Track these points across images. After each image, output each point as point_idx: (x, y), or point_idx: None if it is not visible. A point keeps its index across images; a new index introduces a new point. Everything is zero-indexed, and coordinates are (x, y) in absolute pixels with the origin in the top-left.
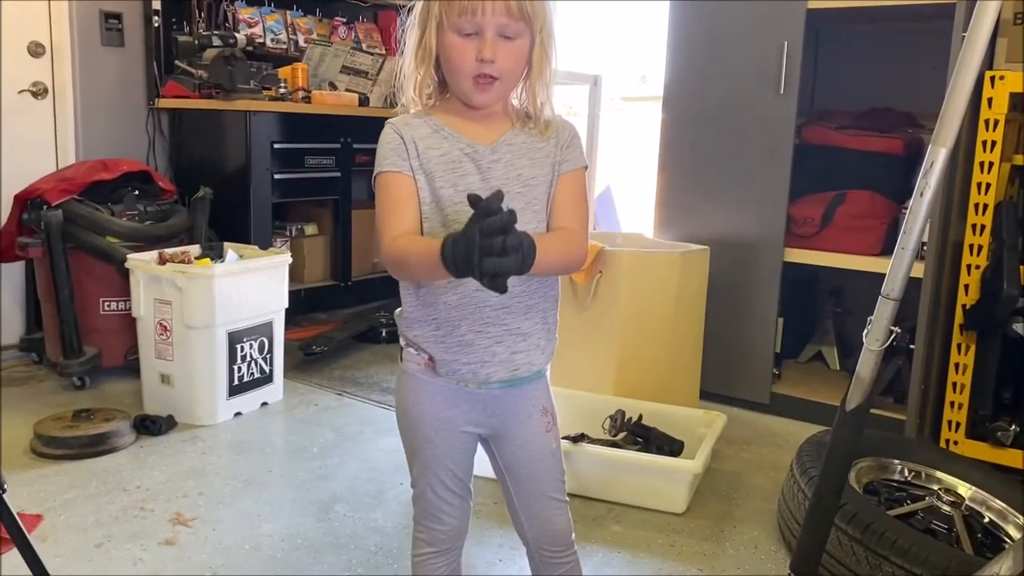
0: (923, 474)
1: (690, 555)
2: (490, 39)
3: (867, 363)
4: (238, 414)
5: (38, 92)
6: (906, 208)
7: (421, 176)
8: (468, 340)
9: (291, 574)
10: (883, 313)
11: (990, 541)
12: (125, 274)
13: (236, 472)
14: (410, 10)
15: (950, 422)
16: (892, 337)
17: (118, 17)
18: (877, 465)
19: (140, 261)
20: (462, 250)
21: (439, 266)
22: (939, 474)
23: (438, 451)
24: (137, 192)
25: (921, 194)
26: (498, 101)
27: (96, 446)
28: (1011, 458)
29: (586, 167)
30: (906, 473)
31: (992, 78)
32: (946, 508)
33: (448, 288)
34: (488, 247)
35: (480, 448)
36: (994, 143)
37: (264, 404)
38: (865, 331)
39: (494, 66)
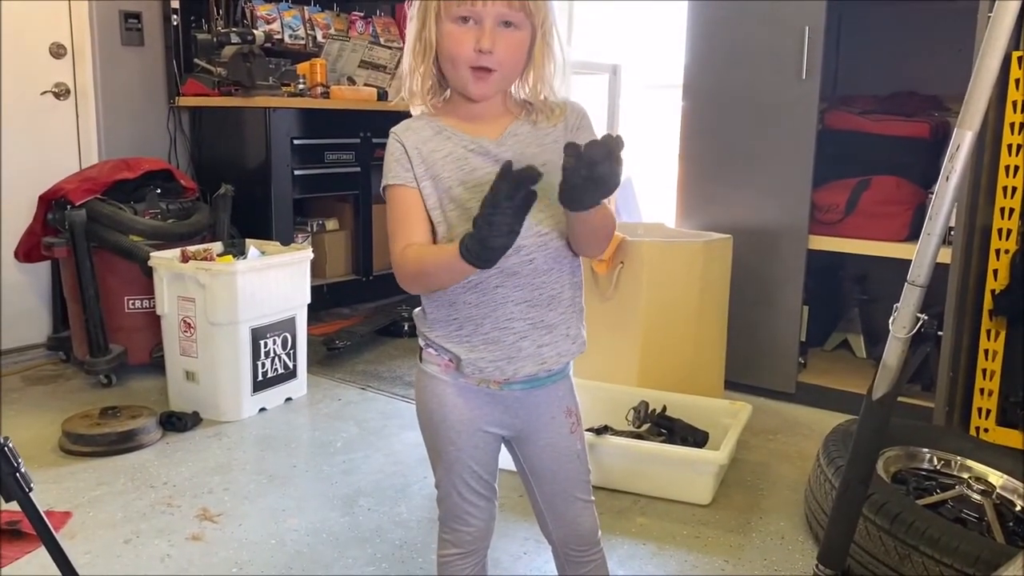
0: (953, 462)
1: (716, 547)
2: (489, 28)
3: (894, 351)
4: (263, 410)
5: (60, 93)
6: (933, 193)
7: (427, 182)
8: (493, 337)
9: (316, 569)
10: (909, 300)
11: (1022, 530)
12: (149, 272)
13: (261, 467)
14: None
15: (980, 409)
16: (919, 324)
17: (137, 17)
18: (905, 454)
19: (163, 259)
20: (487, 210)
21: (456, 260)
22: (969, 462)
23: (462, 453)
24: (159, 190)
25: (947, 178)
26: (496, 93)
27: (123, 443)
28: None
29: None
30: (935, 462)
31: (1020, 59)
32: (976, 497)
33: (468, 287)
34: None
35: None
36: (1022, 125)
37: (288, 399)
38: (891, 318)
39: (492, 58)
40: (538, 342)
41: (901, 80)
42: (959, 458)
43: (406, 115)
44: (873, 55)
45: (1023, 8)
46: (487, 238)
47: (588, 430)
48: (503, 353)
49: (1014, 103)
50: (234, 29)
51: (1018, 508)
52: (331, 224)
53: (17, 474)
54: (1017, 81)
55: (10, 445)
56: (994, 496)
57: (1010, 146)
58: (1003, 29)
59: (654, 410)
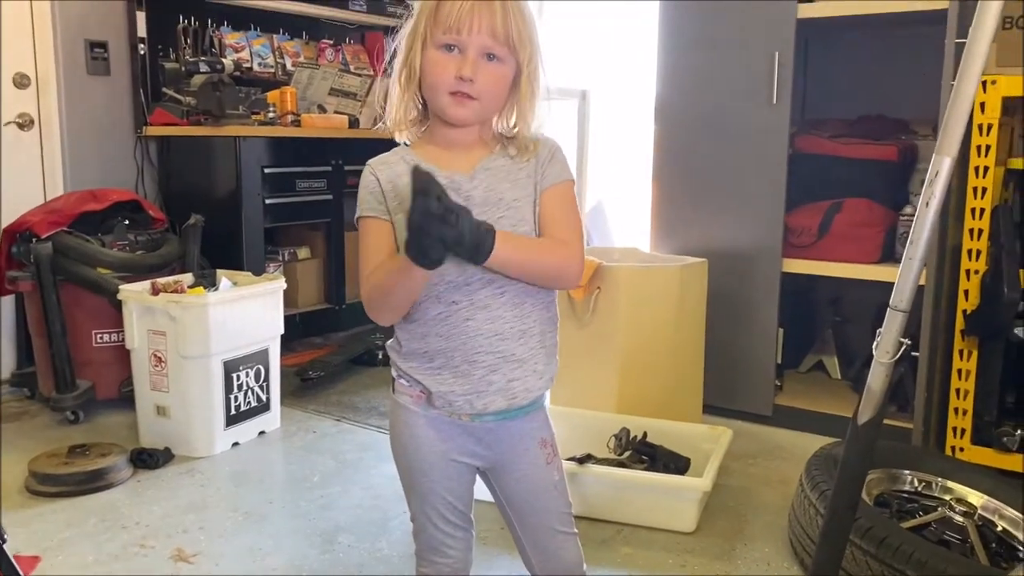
0: (934, 484)
1: (702, 574)
2: (472, 58)
3: (878, 376)
4: (236, 444)
5: (24, 124)
6: (904, 215)
7: (401, 216)
8: (464, 371)
9: None
10: (892, 325)
11: (1004, 551)
12: (117, 305)
13: (236, 504)
14: (397, 31)
15: (955, 428)
16: (902, 349)
17: (103, 46)
18: (887, 476)
19: (133, 292)
20: (413, 220)
21: (404, 262)
22: (950, 483)
23: (435, 484)
24: (127, 222)
25: (927, 204)
26: (476, 121)
27: (93, 482)
28: (1017, 463)
29: (571, 180)
30: (916, 483)
31: (984, 83)
32: (959, 518)
33: (440, 318)
34: (424, 208)
35: None
36: (988, 147)
37: (262, 433)
38: (875, 343)
39: (473, 86)
40: (508, 376)
41: (868, 104)
42: (940, 479)
43: (376, 142)
44: (841, 79)
45: None
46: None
47: (570, 459)
48: (472, 387)
49: (980, 126)
50: (203, 58)
51: (999, 529)
52: (303, 253)
53: None
54: (983, 105)
55: None
56: (976, 517)
57: (977, 168)
58: (978, 55)
59: (635, 437)
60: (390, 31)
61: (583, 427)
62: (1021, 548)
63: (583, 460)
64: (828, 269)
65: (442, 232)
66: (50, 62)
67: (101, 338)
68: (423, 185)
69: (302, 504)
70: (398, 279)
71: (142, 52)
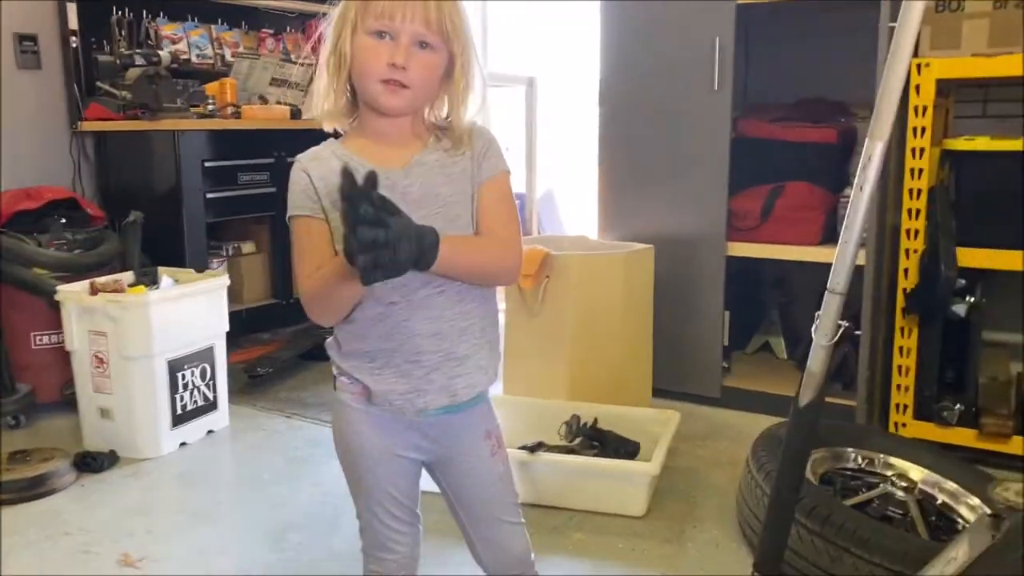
0: (876, 460)
1: (653, 558)
2: (404, 45)
3: (817, 358)
4: (183, 444)
5: None
6: (844, 197)
7: (334, 214)
8: (405, 370)
9: None
10: (830, 308)
11: (944, 523)
12: (56, 306)
13: (184, 505)
14: (325, 17)
15: (898, 405)
16: (840, 331)
17: (33, 39)
18: (831, 455)
19: (71, 292)
20: (349, 242)
21: (349, 274)
22: (892, 459)
23: (380, 480)
24: (64, 220)
25: (861, 188)
26: (409, 111)
27: (34, 489)
28: (958, 437)
29: (508, 172)
30: (860, 460)
31: (919, 66)
32: (900, 493)
33: (378, 319)
34: (360, 238)
35: None
36: (924, 129)
37: (210, 432)
38: (814, 326)
39: (405, 74)
40: (449, 374)
41: (809, 87)
42: (882, 456)
43: (320, 133)
44: (782, 63)
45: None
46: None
47: (521, 447)
48: (412, 386)
49: (915, 108)
50: (138, 50)
51: (939, 502)
52: (247, 247)
53: None
54: (917, 87)
55: None
56: (916, 492)
57: (914, 150)
58: (906, 43)
59: (585, 423)
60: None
61: (534, 415)
62: (960, 520)
63: (534, 448)
64: (772, 252)
65: (381, 254)
66: None
67: (40, 340)
68: (356, 199)
69: (252, 503)
70: (339, 287)
71: (74, 45)
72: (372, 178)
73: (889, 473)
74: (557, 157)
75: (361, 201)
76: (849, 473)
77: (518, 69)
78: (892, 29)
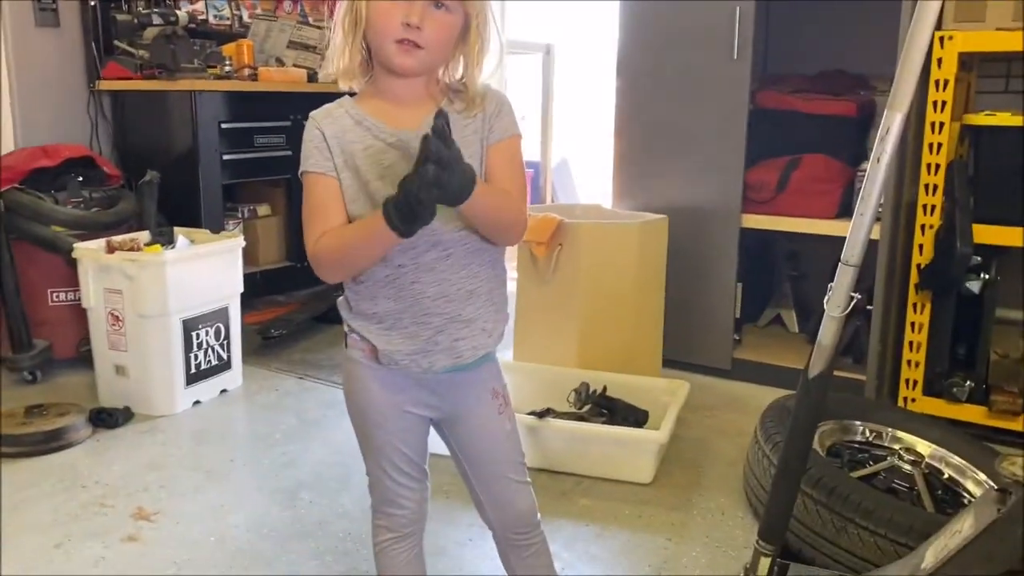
0: (884, 434)
1: (658, 525)
2: (419, 5)
3: (829, 330)
4: (197, 403)
5: None
6: (861, 171)
7: (347, 173)
8: (412, 332)
9: (258, 566)
10: (843, 280)
11: (950, 497)
12: (72, 264)
13: (198, 463)
14: None
15: (908, 380)
16: (853, 303)
17: None
18: (839, 427)
19: (88, 250)
20: (412, 182)
21: (382, 230)
22: (899, 433)
23: (390, 436)
24: (81, 178)
25: (878, 160)
26: (423, 71)
27: (51, 442)
28: (967, 413)
29: (519, 136)
30: (867, 434)
31: (941, 38)
32: (907, 467)
33: (387, 281)
34: (431, 152)
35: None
36: (944, 103)
37: (223, 391)
38: (826, 298)
39: (420, 34)
40: (454, 336)
41: (828, 59)
42: (890, 429)
43: (337, 95)
44: (801, 34)
45: None
46: (424, 197)
47: (531, 413)
48: (418, 347)
49: (936, 82)
50: (156, 10)
51: (945, 476)
52: (263, 210)
53: None
54: (939, 60)
55: None
56: (923, 465)
57: (933, 124)
58: (930, 11)
59: (595, 391)
60: None
61: (544, 382)
62: (966, 495)
63: (543, 414)
64: (787, 224)
65: (441, 192)
66: None
67: (57, 297)
68: (434, 154)
69: (264, 462)
70: (370, 248)
71: (93, 3)
72: (445, 116)
73: (896, 447)
74: (572, 126)
75: (440, 132)
76: (856, 446)
77: (535, 36)
78: (915, 1)
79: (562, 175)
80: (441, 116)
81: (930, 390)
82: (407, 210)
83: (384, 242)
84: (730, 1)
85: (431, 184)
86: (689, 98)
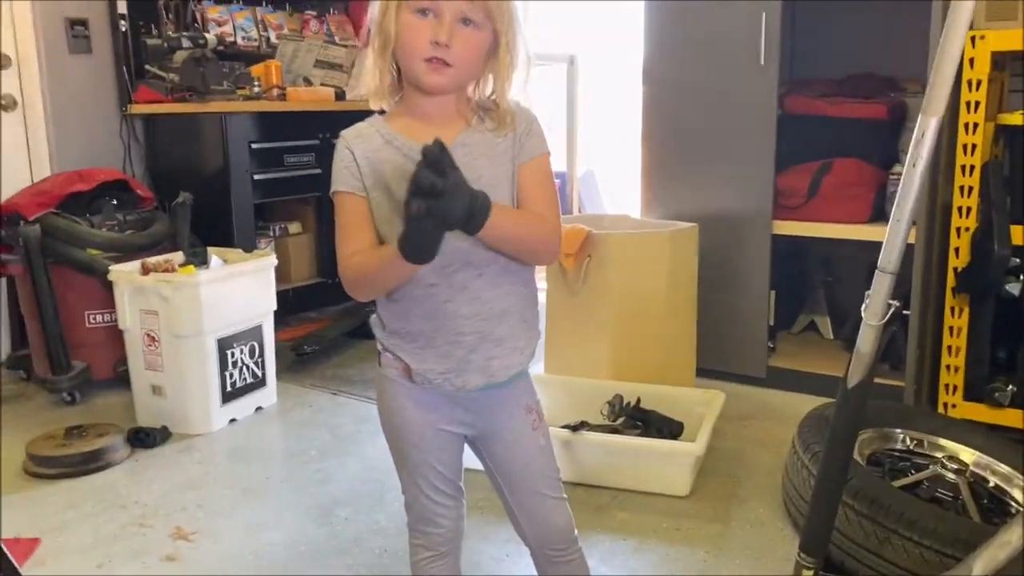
0: (925, 442)
1: (697, 538)
2: (448, 23)
3: (867, 338)
4: (233, 421)
5: (7, 105)
6: (893, 174)
7: (377, 192)
8: (445, 351)
9: None
10: (881, 287)
11: (996, 506)
12: (109, 286)
13: (235, 481)
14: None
15: (947, 385)
16: (891, 311)
17: (84, 23)
18: (879, 435)
19: (123, 272)
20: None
21: (395, 259)
22: (941, 441)
23: (425, 455)
24: (115, 201)
25: (914, 165)
26: (452, 89)
27: (91, 463)
28: (1009, 418)
29: (548, 153)
30: (908, 442)
31: (973, 38)
32: (951, 476)
33: (420, 300)
34: (417, 183)
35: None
36: (978, 104)
37: (259, 409)
38: (863, 306)
39: (449, 52)
40: (487, 355)
41: (856, 62)
42: (931, 437)
43: (364, 114)
44: (828, 38)
45: None
46: (422, 228)
47: (564, 427)
48: (452, 366)
49: (969, 82)
50: (185, 33)
51: (991, 485)
52: (294, 227)
53: None
54: (972, 60)
55: None
56: (967, 474)
57: (967, 125)
58: (964, 11)
59: (628, 403)
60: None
61: (577, 395)
62: (1013, 503)
63: (577, 427)
64: (819, 230)
65: (435, 203)
66: (31, 42)
67: (94, 319)
68: (424, 184)
69: (300, 479)
70: (389, 276)
71: (124, 29)
72: (439, 144)
73: (939, 455)
74: (597, 136)
75: (431, 160)
76: (897, 454)
77: (559, 47)
78: (946, 2)
79: (588, 186)
80: (435, 145)
81: (971, 395)
82: (410, 243)
83: (402, 271)
84: (756, 7)
85: (421, 217)
86: (716, 104)
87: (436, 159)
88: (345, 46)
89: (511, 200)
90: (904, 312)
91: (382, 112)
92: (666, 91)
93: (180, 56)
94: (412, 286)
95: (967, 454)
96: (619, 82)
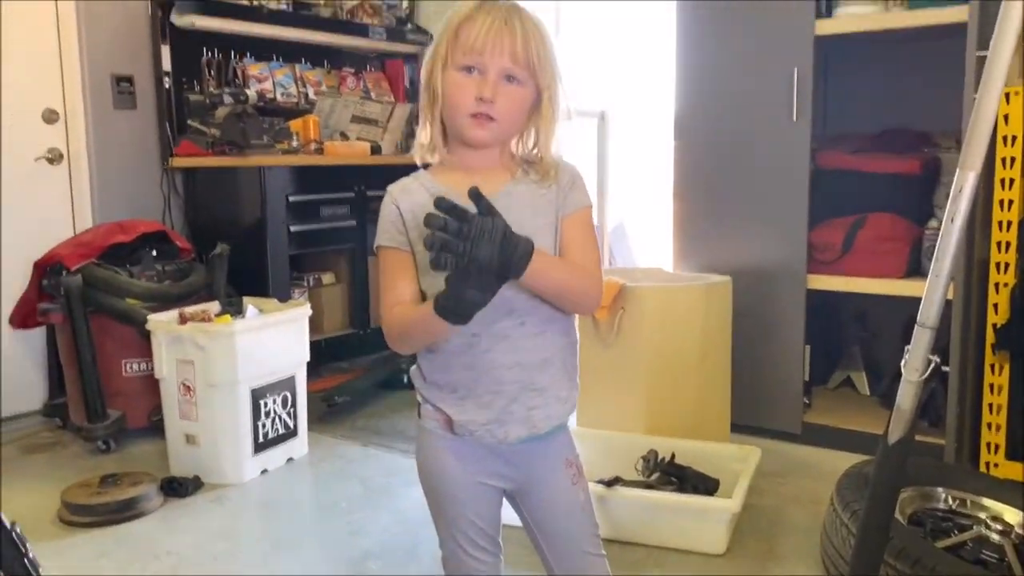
0: (968, 502)
1: None
2: (492, 80)
3: (907, 394)
4: (264, 471)
5: (53, 158)
6: (929, 229)
7: (421, 246)
8: (486, 401)
9: None
10: (920, 342)
11: None
12: (146, 335)
13: (266, 532)
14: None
15: (989, 444)
16: (931, 366)
17: (130, 80)
18: (920, 494)
19: (161, 322)
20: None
21: (432, 318)
22: (985, 501)
23: (464, 508)
24: (155, 252)
25: (952, 220)
26: (495, 143)
27: (124, 511)
28: None
29: (591, 206)
30: (951, 501)
31: (1007, 95)
32: (995, 537)
33: (461, 350)
34: (443, 234)
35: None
36: (1013, 159)
37: (290, 460)
38: (903, 361)
39: (493, 107)
40: (528, 404)
41: (890, 117)
42: (974, 496)
43: (398, 167)
44: (861, 93)
45: None
46: (462, 291)
47: (598, 482)
48: (493, 416)
49: (1004, 138)
50: (227, 90)
51: None
52: (327, 278)
53: (25, 559)
54: (1006, 117)
55: (18, 530)
56: (1012, 535)
57: (1003, 180)
58: (999, 70)
59: (663, 458)
60: (410, 58)
61: (610, 449)
62: None
63: (611, 483)
64: (854, 285)
65: (452, 242)
66: (78, 98)
67: (130, 367)
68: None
69: (331, 531)
70: (426, 334)
71: (167, 85)
72: (474, 190)
73: (982, 515)
74: (628, 189)
75: (443, 205)
76: (940, 514)
77: (590, 103)
78: (980, 58)
79: (619, 238)
80: (471, 191)
81: (1013, 454)
82: (450, 305)
83: (440, 328)
84: (788, 64)
85: (444, 258)
86: (749, 159)
87: (449, 204)
88: (381, 102)
89: (554, 250)
90: (943, 368)
91: (426, 167)
92: (698, 145)
93: (222, 112)
94: (454, 336)
95: (1012, 515)
96: (649, 136)
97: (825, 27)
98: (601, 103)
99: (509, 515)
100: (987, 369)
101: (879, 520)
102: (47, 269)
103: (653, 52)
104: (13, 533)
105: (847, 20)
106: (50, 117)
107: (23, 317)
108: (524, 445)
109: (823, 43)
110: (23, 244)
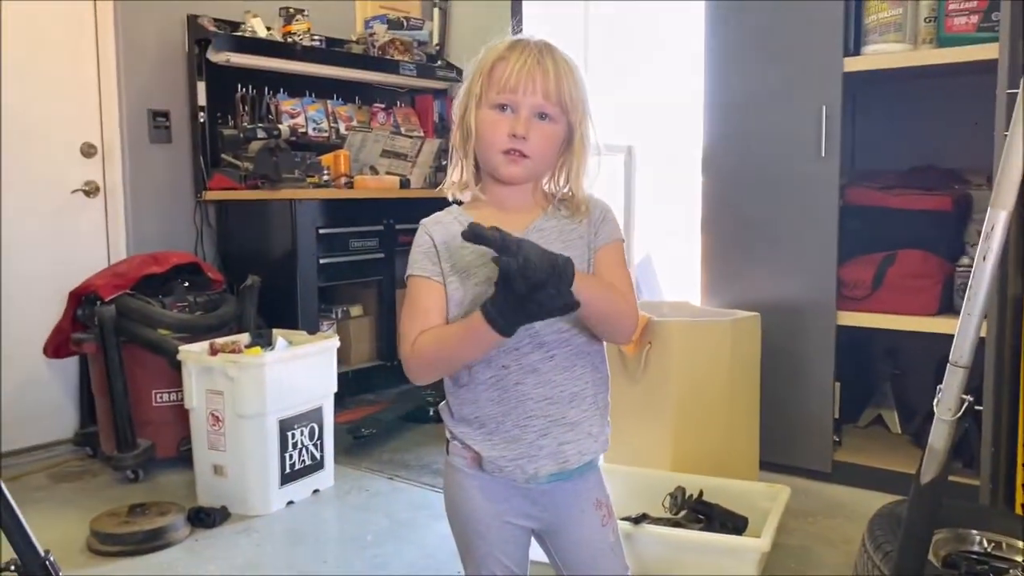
0: (1004, 544)
1: None
2: (524, 117)
3: (940, 434)
4: (290, 503)
5: (90, 191)
6: (960, 266)
7: (454, 278)
8: (514, 436)
9: None
10: (953, 381)
11: None
12: (177, 365)
13: (292, 564)
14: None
15: None
16: (964, 406)
17: (166, 115)
18: (954, 536)
19: (192, 352)
20: (514, 283)
21: (479, 327)
22: (1021, 544)
23: (491, 547)
24: (187, 283)
25: (984, 258)
26: (528, 179)
27: (152, 541)
28: None
29: (622, 240)
30: (986, 544)
31: None
32: None
33: (490, 384)
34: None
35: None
36: None
37: (316, 491)
38: (936, 400)
39: (526, 144)
40: (559, 439)
41: (919, 154)
42: (1010, 539)
43: (427, 201)
44: (890, 130)
45: None
46: (510, 291)
47: (625, 519)
48: (523, 451)
49: None
50: (260, 124)
51: None
52: (355, 310)
53: None
54: None
55: (51, 559)
56: None
57: None
58: None
59: (691, 495)
60: (439, 94)
61: (637, 486)
62: None
63: (638, 520)
64: (884, 322)
65: (511, 262)
66: (115, 132)
67: (161, 398)
68: (505, 247)
69: (356, 564)
70: (468, 347)
71: (202, 120)
72: (494, 230)
73: (1019, 558)
74: (655, 224)
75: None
76: (975, 556)
77: (616, 138)
78: (1011, 95)
79: (646, 272)
80: (491, 230)
81: None
82: (510, 308)
83: (485, 342)
84: (816, 100)
85: (510, 272)
86: (777, 195)
87: (481, 228)
88: (410, 137)
89: None
90: (977, 408)
91: (459, 203)
92: (725, 181)
93: (255, 146)
94: (483, 368)
95: None
96: (676, 171)
97: (853, 64)
98: (628, 138)
99: (538, 553)
100: (1022, 408)
101: (913, 562)
102: (82, 299)
103: (680, 87)
104: (47, 562)
105: (876, 58)
106: (88, 151)
107: (57, 346)
108: (553, 485)
109: (852, 79)
110: (59, 274)
